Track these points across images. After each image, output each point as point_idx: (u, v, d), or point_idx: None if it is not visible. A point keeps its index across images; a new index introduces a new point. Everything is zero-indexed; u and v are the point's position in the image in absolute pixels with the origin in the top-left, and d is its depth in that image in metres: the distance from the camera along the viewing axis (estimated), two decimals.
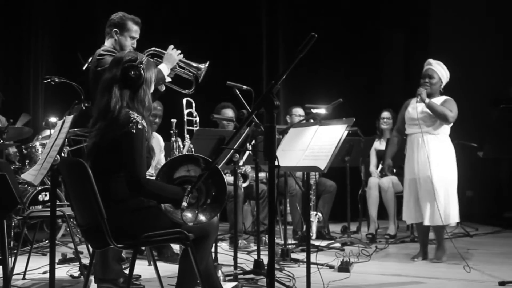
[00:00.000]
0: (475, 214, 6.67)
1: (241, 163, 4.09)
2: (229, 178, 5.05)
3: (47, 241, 4.95)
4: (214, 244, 3.59)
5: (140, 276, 3.75)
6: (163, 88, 3.56)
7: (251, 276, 3.80)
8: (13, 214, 4.11)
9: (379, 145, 5.96)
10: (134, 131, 2.60)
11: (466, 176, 6.32)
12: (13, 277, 3.66)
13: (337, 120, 3.31)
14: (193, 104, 4.56)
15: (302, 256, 4.42)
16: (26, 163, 5.09)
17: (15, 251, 3.92)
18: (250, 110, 3.74)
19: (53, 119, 5.16)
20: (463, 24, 6.74)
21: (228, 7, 7.15)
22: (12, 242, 4.51)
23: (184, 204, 2.48)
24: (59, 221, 4.95)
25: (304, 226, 5.14)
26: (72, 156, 5.20)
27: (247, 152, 4.11)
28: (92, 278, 3.37)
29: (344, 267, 4.01)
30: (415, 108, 4.39)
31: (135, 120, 2.62)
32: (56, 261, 3.72)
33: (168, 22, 7.02)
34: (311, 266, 3.22)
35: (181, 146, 4.46)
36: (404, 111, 4.56)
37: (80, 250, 4.27)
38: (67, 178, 2.86)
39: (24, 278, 3.80)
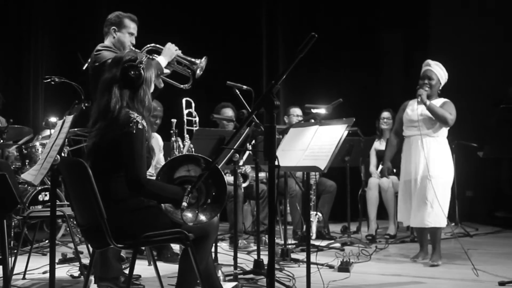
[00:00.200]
0: (475, 214, 6.67)
1: (241, 163, 4.09)
2: (229, 178, 5.05)
3: (47, 241, 4.95)
4: (214, 244, 3.58)
5: (140, 276, 3.76)
6: (161, 84, 3.56)
7: (251, 276, 3.80)
8: (13, 214, 4.11)
9: (379, 145, 5.96)
10: (134, 131, 2.60)
11: (466, 176, 6.35)
12: (13, 277, 3.66)
13: (337, 120, 3.31)
14: (193, 104, 4.56)
15: (302, 256, 4.42)
16: (26, 163, 5.09)
17: (15, 251, 3.92)
18: (250, 110, 3.74)
19: (53, 119, 5.16)
20: (463, 24, 6.74)
21: (228, 7, 7.16)
22: (12, 242, 4.50)
23: (184, 204, 2.48)
24: (59, 221, 4.95)
25: (304, 226, 5.14)
26: (72, 156, 5.20)
27: (247, 152, 4.11)
28: (92, 278, 3.37)
29: (344, 267, 4.01)
30: (415, 110, 4.37)
31: (135, 120, 2.62)
32: (56, 261, 3.72)
33: (168, 22, 7.02)
34: (311, 266, 3.21)
35: (181, 146, 4.45)
36: (402, 113, 4.54)
37: (80, 250, 4.27)
38: (67, 178, 2.86)
39: (24, 278, 3.80)
